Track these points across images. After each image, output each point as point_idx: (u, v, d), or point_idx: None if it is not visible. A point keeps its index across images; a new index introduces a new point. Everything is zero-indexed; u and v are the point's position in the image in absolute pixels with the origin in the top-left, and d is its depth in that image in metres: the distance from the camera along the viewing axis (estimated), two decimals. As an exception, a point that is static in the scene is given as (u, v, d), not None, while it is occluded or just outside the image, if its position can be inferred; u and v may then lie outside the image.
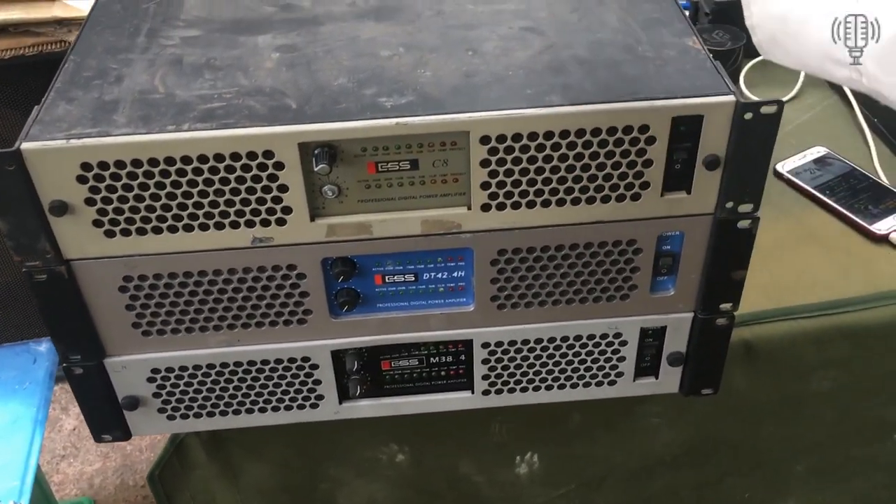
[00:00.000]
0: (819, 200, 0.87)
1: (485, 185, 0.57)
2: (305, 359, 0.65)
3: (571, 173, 0.56)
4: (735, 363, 0.77)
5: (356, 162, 0.56)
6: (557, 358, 0.67)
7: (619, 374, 0.69)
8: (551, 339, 0.66)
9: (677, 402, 0.74)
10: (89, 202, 0.54)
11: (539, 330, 0.65)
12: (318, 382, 0.67)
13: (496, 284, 0.62)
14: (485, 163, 0.55)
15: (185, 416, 0.67)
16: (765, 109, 0.54)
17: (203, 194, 0.55)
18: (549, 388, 0.69)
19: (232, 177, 0.54)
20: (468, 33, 0.62)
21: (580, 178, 0.57)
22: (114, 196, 0.54)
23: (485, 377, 0.68)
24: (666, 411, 0.81)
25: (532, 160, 0.55)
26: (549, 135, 0.54)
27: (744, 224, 0.60)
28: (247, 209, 0.56)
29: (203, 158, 0.53)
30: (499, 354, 0.67)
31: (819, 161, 0.91)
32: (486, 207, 0.58)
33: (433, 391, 0.69)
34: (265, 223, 0.57)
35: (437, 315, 0.64)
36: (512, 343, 0.66)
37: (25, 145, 0.52)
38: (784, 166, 0.91)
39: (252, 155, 0.53)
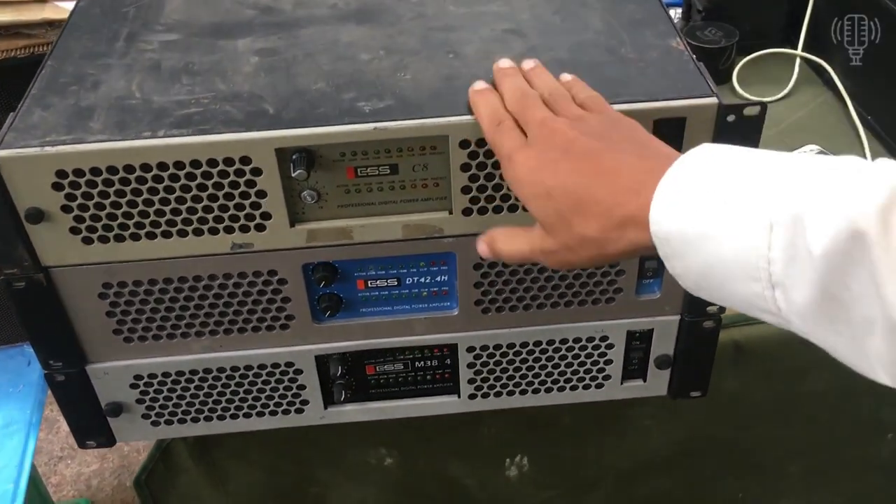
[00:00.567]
0: (811, 199, 0.86)
1: (465, 190, 0.56)
2: (289, 364, 0.65)
3: (553, 177, 0.56)
4: (725, 364, 0.76)
5: (335, 167, 0.55)
6: (543, 361, 0.67)
7: (607, 377, 0.68)
8: (537, 343, 0.65)
9: (668, 403, 0.73)
10: (66, 209, 0.54)
11: (524, 333, 0.64)
12: (302, 387, 0.66)
13: (480, 289, 0.62)
14: (465, 167, 0.55)
15: (169, 422, 0.67)
16: (748, 111, 0.53)
17: (180, 201, 0.54)
18: (535, 391, 0.68)
19: (209, 183, 0.54)
20: (449, 35, 0.61)
21: (562, 181, 0.56)
22: (90, 203, 0.54)
23: (471, 381, 0.68)
24: (657, 413, 0.81)
25: (513, 164, 0.55)
26: (529, 138, 0.54)
27: (729, 226, 0.59)
28: (225, 215, 0.55)
29: (179, 165, 0.53)
30: (484, 358, 0.66)
31: (812, 159, 0.90)
32: (467, 212, 0.57)
33: (419, 395, 0.69)
34: (244, 229, 0.56)
35: (421, 319, 0.64)
36: (497, 347, 0.65)
37: None
38: (776, 165, 0.90)
39: (229, 161, 0.53)
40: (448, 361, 0.67)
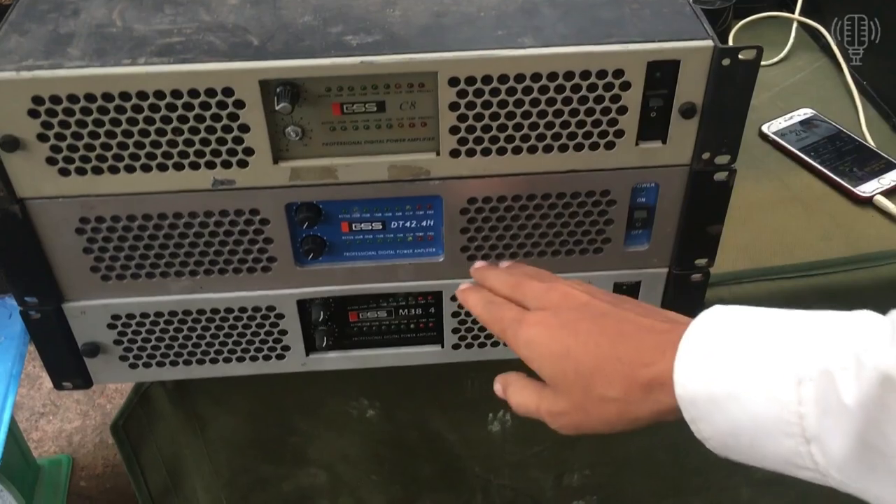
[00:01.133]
0: (804, 162, 0.85)
1: (454, 130, 0.55)
2: (270, 308, 0.64)
3: (543, 119, 0.54)
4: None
5: (320, 102, 0.54)
6: (529, 312, 0.66)
7: (592, 331, 0.67)
8: (522, 293, 0.64)
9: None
10: (42, 138, 0.52)
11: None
12: (283, 333, 0.65)
13: (466, 234, 0.61)
14: (453, 106, 0.54)
15: (147, 365, 0.66)
16: (743, 55, 0.52)
17: (161, 133, 0.53)
18: (520, 343, 0.68)
19: (190, 115, 0.52)
20: (441, -27, 0.59)
21: (552, 124, 0.55)
22: (67, 132, 0.52)
23: (455, 331, 0.67)
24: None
25: (502, 104, 0.54)
26: (520, 78, 0.53)
27: (720, 176, 0.58)
28: (207, 149, 0.54)
29: (159, 94, 0.51)
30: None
31: (805, 123, 0.89)
32: (455, 153, 0.56)
33: (402, 344, 0.68)
34: (226, 165, 0.55)
35: (406, 265, 0.63)
36: (482, 296, 0.64)
37: (-26, 76, 0.50)
38: (769, 127, 0.89)
39: (211, 92, 0.52)
40: (432, 310, 0.66)
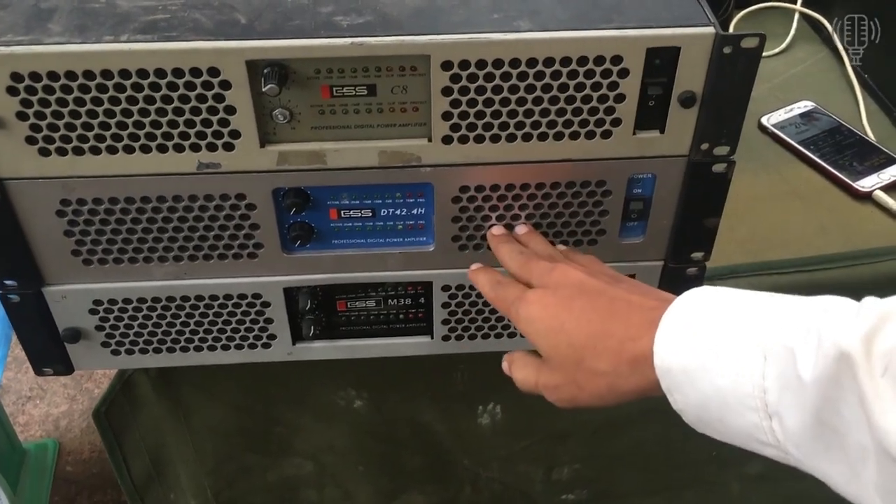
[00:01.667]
0: (803, 155, 0.84)
1: (446, 116, 0.53)
2: (256, 295, 0.62)
3: (538, 106, 0.53)
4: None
5: (309, 85, 0.52)
6: (521, 304, 0.64)
7: (585, 324, 0.66)
8: (515, 284, 0.63)
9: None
10: (21, 116, 0.51)
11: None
12: (269, 321, 0.64)
13: (457, 223, 0.59)
14: (446, 91, 0.52)
15: (130, 352, 0.65)
16: (745, 43, 0.51)
17: (144, 113, 0.51)
18: (511, 335, 0.66)
19: (174, 95, 0.51)
20: (436, -46, 0.58)
21: (547, 111, 0.53)
22: (47, 111, 0.51)
23: (444, 322, 0.65)
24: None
25: (497, 90, 0.52)
26: (515, 63, 0.51)
27: (719, 168, 0.57)
28: (192, 131, 0.52)
29: (143, 73, 0.50)
30: (459, 298, 0.64)
31: (805, 115, 0.88)
32: (447, 140, 0.54)
33: (391, 335, 0.67)
34: (212, 147, 0.53)
35: (396, 254, 0.61)
36: (473, 287, 0.63)
37: (-51, 51, 0.48)
38: (769, 119, 0.87)
39: (196, 72, 0.50)
40: (422, 300, 0.65)
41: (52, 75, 0.49)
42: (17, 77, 0.49)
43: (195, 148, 0.53)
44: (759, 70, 0.52)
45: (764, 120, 0.87)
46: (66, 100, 0.50)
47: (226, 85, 0.51)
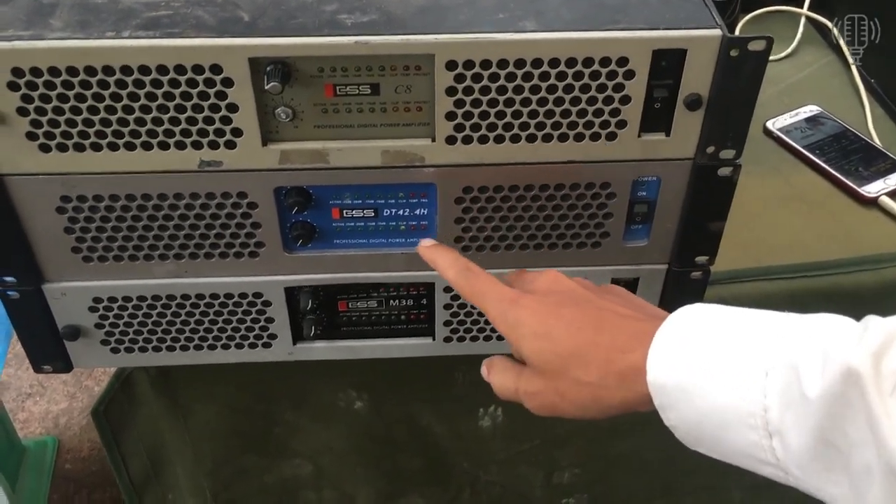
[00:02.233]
0: (808, 160, 0.83)
1: (450, 116, 0.53)
2: (257, 295, 0.62)
3: (543, 107, 0.53)
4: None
5: (313, 83, 0.52)
6: (523, 306, 0.64)
7: (587, 327, 0.66)
8: (517, 287, 0.63)
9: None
10: (22, 112, 0.50)
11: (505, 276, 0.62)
12: (270, 321, 0.63)
13: (460, 224, 0.59)
14: (451, 91, 0.52)
15: (129, 350, 0.64)
16: (752, 46, 0.50)
17: (145, 110, 0.51)
18: (513, 338, 0.66)
19: (177, 92, 0.50)
20: (442, -47, 0.57)
21: (552, 112, 0.53)
22: (48, 107, 0.50)
23: (447, 323, 0.65)
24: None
25: (501, 90, 0.52)
26: (520, 63, 0.51)
27: (725, 171, 0.56)
28: (193, 129, 0.52)
29: (145, 70, 0.49)
30: (462, 300, 0.63)
31: (811, 120, 0.88)
32: (451, 140, 0.54)
33: (392, 336, 0.66)
34: (213, 145, 0.53)
35: (398, 255, 0.61)
36: (475, 288, 0.63)
37: (-49, 45, 0.48)
38: (774, 124, 0.87)
39: (198, 69, 0.50)
40: (424, 301, 0.65)
41: (54, 71, 0.49)
42: (17, 72, 0.49)
43: (197, 146, 0.53)
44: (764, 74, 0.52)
45: (769, 124, 0.87)
46: (68, 95, 0.50)
47: (228, 83, 0.50)
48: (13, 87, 0.49)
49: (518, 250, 0.60)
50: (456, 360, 0.68)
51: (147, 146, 0.53)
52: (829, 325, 0.39)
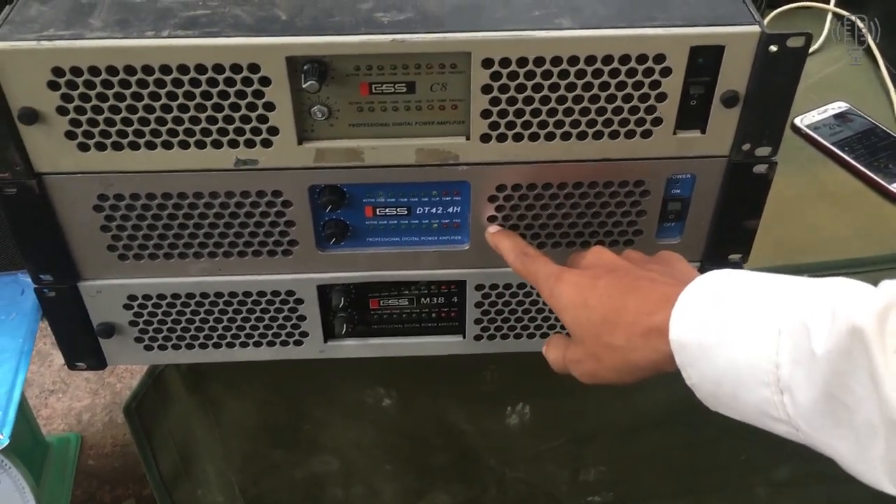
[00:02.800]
0: (837, 157, 0.83)
1: (485, 114, 0.53)
2: (290, 293, 0.62)
3: (579, 104, 0.52)
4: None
5: (348, 82, 0.52)
6: (554, 304, 0.64)
7: (618, 325, 0.66)
8: (549, 284, 0.62)
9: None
10: (62, 111, 0.51)
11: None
12: (302, 318, 0.64)
13: (494, 222, 0.59)
14: (486, 89, 0.52)
15: (162, 347, 0.65)
16: (791, 42, 0.50)
17: (183, 109, 0.51)
18: (544, 335, 0.66)
19: (214, 91, 0.51)
20: (476, -49, 0.57)
21: (588, 110, 0.53)
22: (88, 106, 0.51)
23: (478, 321, 0.65)
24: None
25: (537, 88, 0.52)
26: (556, 60, 0.51)
27: (760, 169, 0.56)
28: (230, 128, 0.52)
29: (183, 69, 0.50)
30: (493, 298, 0.63)
31: (840, 116, 0.87)
32: (485, 138, 0.54)
33: (423, 334, 0.67)
34: (250, 144, 0.53)
35: (430, 253, 0.61)
36: (507, 286, 0.63)
37: (-7, 45, 0.48)
38: (803, 120, 0.86)
39: (236, 68, 0.50)
40: (455, 299, 0.65)
41: (93, 70, 0.49)
42: (58, 72, 0.49)
43: (233, 144, 0.53)
44: (795, 70, 0.51)
45: (798, 121, 0.86)
46: (107, 95, 0.50)
47: (265, 81, 0.50)
48: (53, 86, 0.50)
49: (550, 248, 0.60)
50: (484, 357, 0.68)
51: (184, 145, 0.53)
52: (842, 287, 0.40)
